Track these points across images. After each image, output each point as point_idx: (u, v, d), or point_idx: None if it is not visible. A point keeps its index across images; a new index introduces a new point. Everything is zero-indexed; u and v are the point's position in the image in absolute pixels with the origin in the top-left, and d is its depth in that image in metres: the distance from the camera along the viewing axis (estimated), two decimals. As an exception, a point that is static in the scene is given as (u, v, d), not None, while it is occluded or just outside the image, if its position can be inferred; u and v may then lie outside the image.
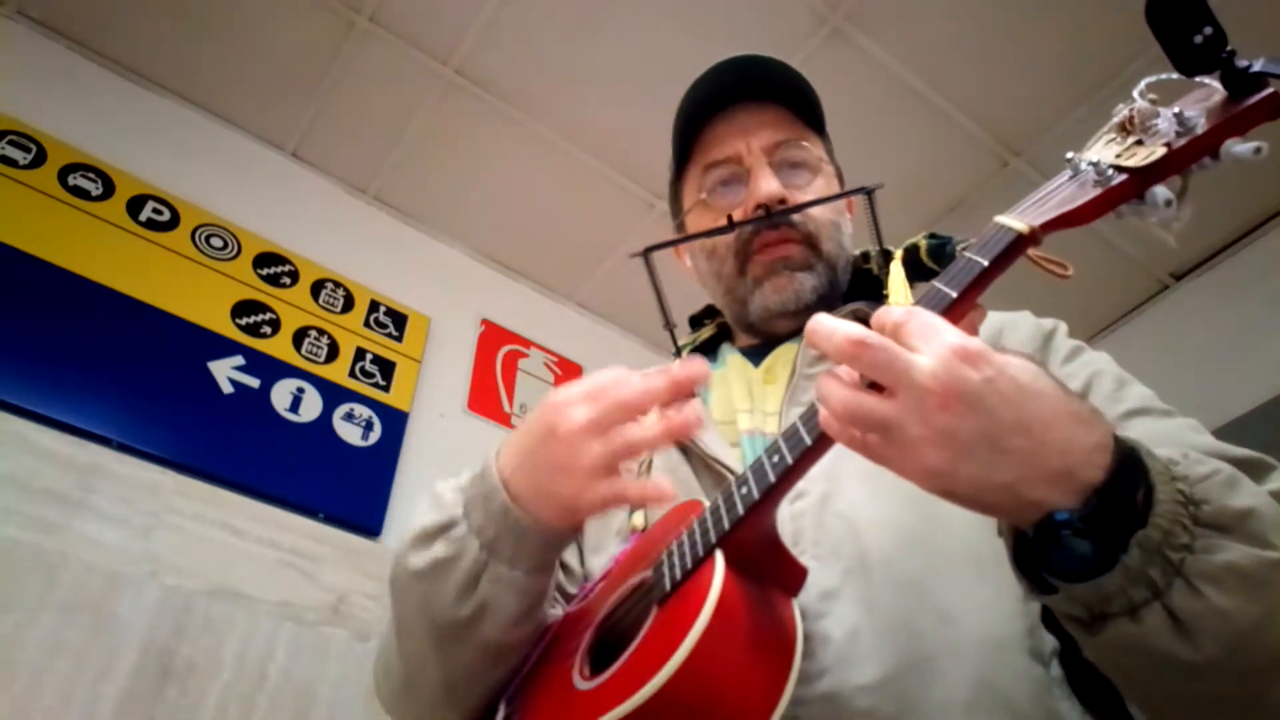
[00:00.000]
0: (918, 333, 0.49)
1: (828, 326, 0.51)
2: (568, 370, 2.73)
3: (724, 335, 0.99)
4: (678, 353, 0.94)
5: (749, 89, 0.94)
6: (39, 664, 1.51)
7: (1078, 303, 2.63)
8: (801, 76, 0.95)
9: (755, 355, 0.90)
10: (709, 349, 0.98)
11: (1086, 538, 0.47)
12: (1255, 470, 0.62)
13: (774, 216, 0.87)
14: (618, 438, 0.62)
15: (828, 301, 0.89)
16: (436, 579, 0.69)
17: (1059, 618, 0.54)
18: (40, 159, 2.05)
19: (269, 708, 1.69)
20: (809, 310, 0.87)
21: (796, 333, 0.89)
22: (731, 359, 0.92)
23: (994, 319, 0.82)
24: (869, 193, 0.88)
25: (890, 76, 2.23)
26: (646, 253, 0.92)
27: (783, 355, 0.87)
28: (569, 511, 0.65)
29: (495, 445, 0.73)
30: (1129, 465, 0.49)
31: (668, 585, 0.60)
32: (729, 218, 0.88)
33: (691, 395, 0.63)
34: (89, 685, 1.54)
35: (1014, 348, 0.76)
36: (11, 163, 2.00)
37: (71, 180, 2.07)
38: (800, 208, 0.89)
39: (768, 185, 0.89)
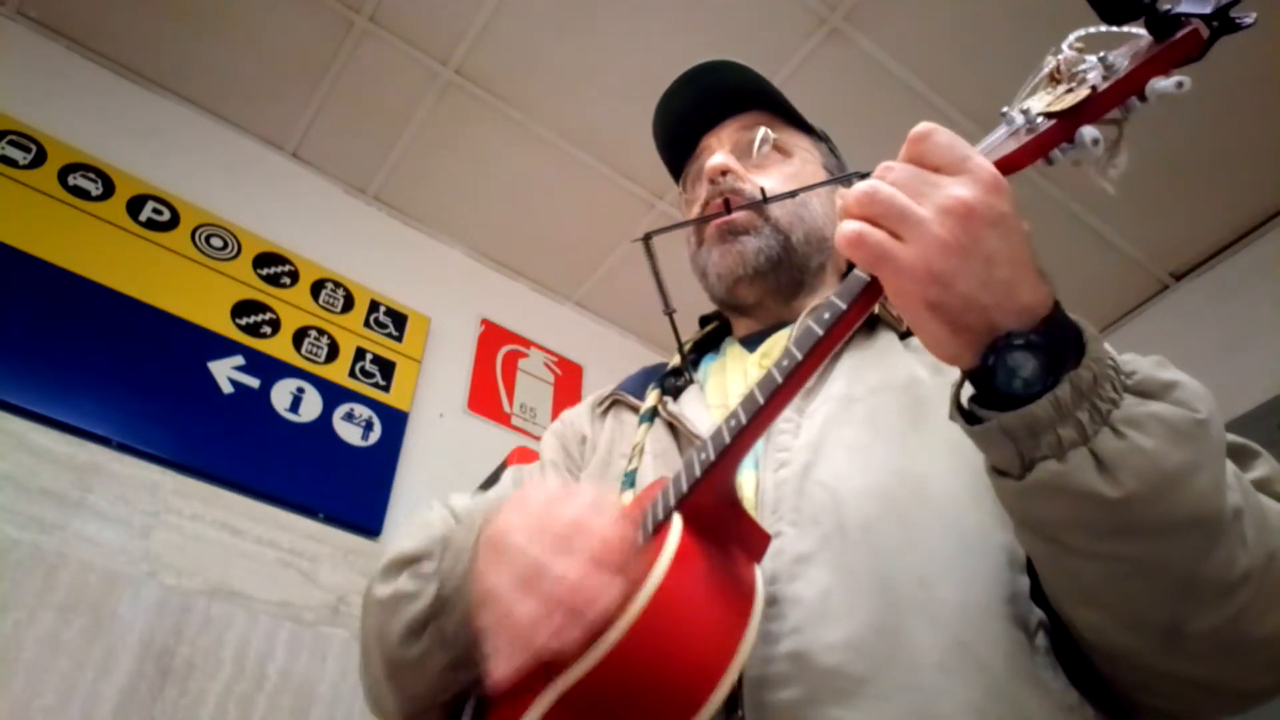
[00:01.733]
0: (946, 153, 0.53)
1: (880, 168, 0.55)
2: (567, 370, 2.73)
3: (726, 330, 1.01)
4: (679, 341, 0.95)
5: (722, 108, 0.98)
6: (38, 664, 1.51)
7: (1078, 303, 2.61)
8: (762, 80, 0.98)
9: (752, 343, 0.91)
10: (713, 343, 1.00)
11: (1032, 352, 0.52)
12: (1240, 457, 0.63)
13: (768, 201, 0.90)
14: (527, 574, 0.55)
15: (779, 265, 0.91)
16: (392, 612, 0.70)
17: (993, 478, 0.57)
18: (40, 159, 2.05)
19: (268, 707, 1.69)
20: (760, 275, 0.90)
21: (761, 299, 0.91)
22: (731, 349, 0.93)
23: None
24: (861, 177, 0.89)
25: (889, 76, 2.23)
26: (647, 238, 0.93)
27: (778, 341, 0.88)
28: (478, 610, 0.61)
29: (505, 497, 0.69)
30: (1066, 316, 0.55)
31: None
32: (725, 203, 0.91)
33: None
34: (88, 685, 1.54)
35: None
36: (11, 163, 2.00)
37: (71, 180, 2.07)
38: (795, 193, 0.90)
39: (713, 160, 0.92)
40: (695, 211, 0.94)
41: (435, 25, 2.23)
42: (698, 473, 0.59)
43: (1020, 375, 0.52)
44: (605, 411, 0.95)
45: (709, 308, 1.06)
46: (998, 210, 0.52)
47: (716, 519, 0.60)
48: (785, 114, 0.99)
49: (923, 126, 0.54)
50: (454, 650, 0.67)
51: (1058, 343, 0.53)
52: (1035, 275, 0.53)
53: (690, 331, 1.01)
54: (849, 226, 0.53)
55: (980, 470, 0.66)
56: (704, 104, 0.98)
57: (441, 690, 0.71)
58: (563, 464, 0.92)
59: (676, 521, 0.57)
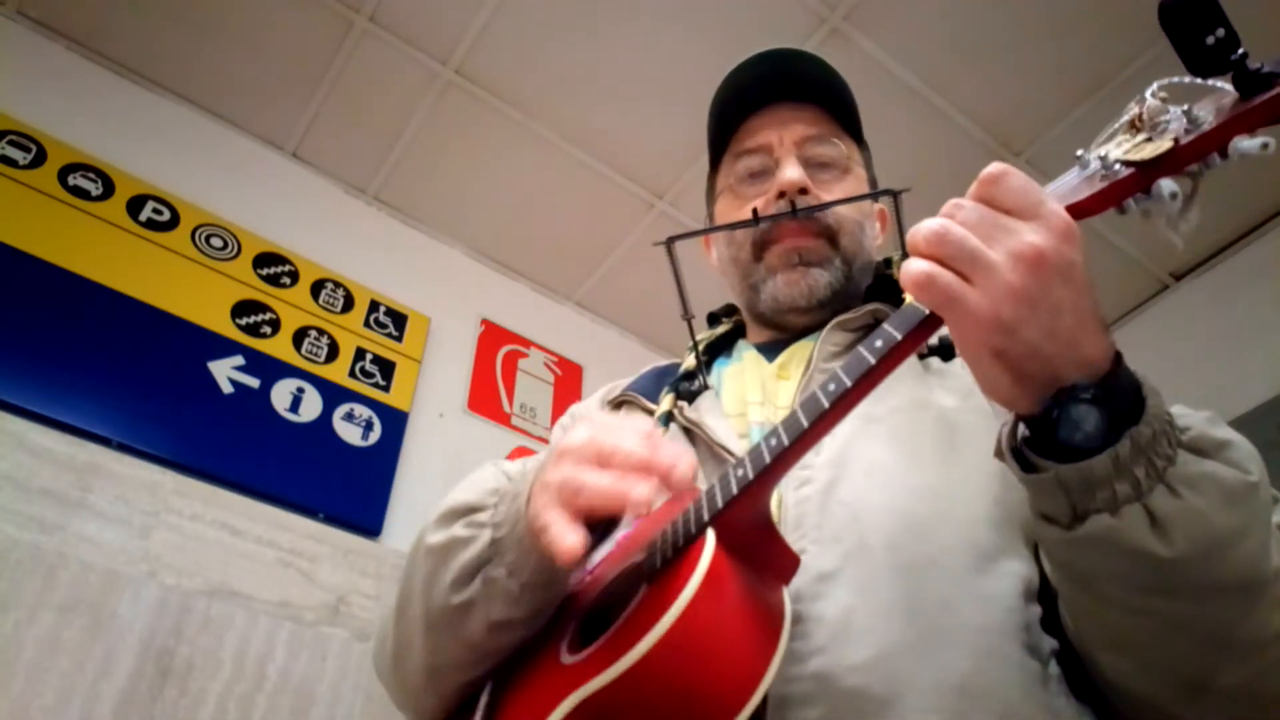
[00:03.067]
0: (1019, 196, 0.52)
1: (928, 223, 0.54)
2: (567, 370, 2.73)
3: (740, 332, 1.00)
4: (695, 345, 0.94)
5: (790, 89, 0.95)
6: (38, 664, 1.51)
7: (1078, 303, 2.63)
8: (841, 79, 0.96)
9: (770, 351, 0.90)
10: (725, 345, 0.99)
11: (1096, 407, 0.51)
12: None
13: (799, 213, 0.88)
14: (584, 475, 0.60)
15: (842, 298, 0.89)
16: (444, 559, 0.70)
17: (1038, 523, 0.57)
18: (40, 159, 2.05)
19: (268, 707, 1.69)
20: (821, 306, 0.88)
21: (810, 328, 0.89)
22: (747, 355, 0.92)
23: None
24: (895, 195, 0.88)
25: (890, 76, 2.23)
26: (670, 242, 0.91)
27: (798, 352, 0.87)
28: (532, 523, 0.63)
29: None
30: (1128, 370, 0.54)
31: (658, 562, 0.60)
32: (754, 211, 0.89)
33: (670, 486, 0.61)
34: (88, 685, 1.54)
35: None
36: (11, 163, 2.00)
37: (71, 180, 2.07)
38: (828, 205, 0.89)
39: (791, 173, 0.89)
40: (745, 214, 0.91)
41: (435, 25, 2.23)
42: (735, 490, 0.58)
43: (1083, 429, 0.52)
44: (615, 409, 0.94)
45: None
46: (1068, 259, 0.51)
47: (748, 538, 0.59)
48: (844, 117, 0.97)
49: (996, 167, 0.54)
50: (499, 601, 0.66)
51: (1120, 397, 0.52)
52: (1099, 326, 0.53)
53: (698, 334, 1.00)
54: (918, 266, 0.52)
55: (999, 497, 0.67)
56: (774, 85, 0.95)
57: (473, 655, 0.70)
58: None
59: (710, 538, 0.56)
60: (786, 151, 0.92)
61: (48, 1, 2.20)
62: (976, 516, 0.68)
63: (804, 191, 0.89)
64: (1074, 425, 0.52)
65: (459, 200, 2.61)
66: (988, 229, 0.52)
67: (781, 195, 0.89)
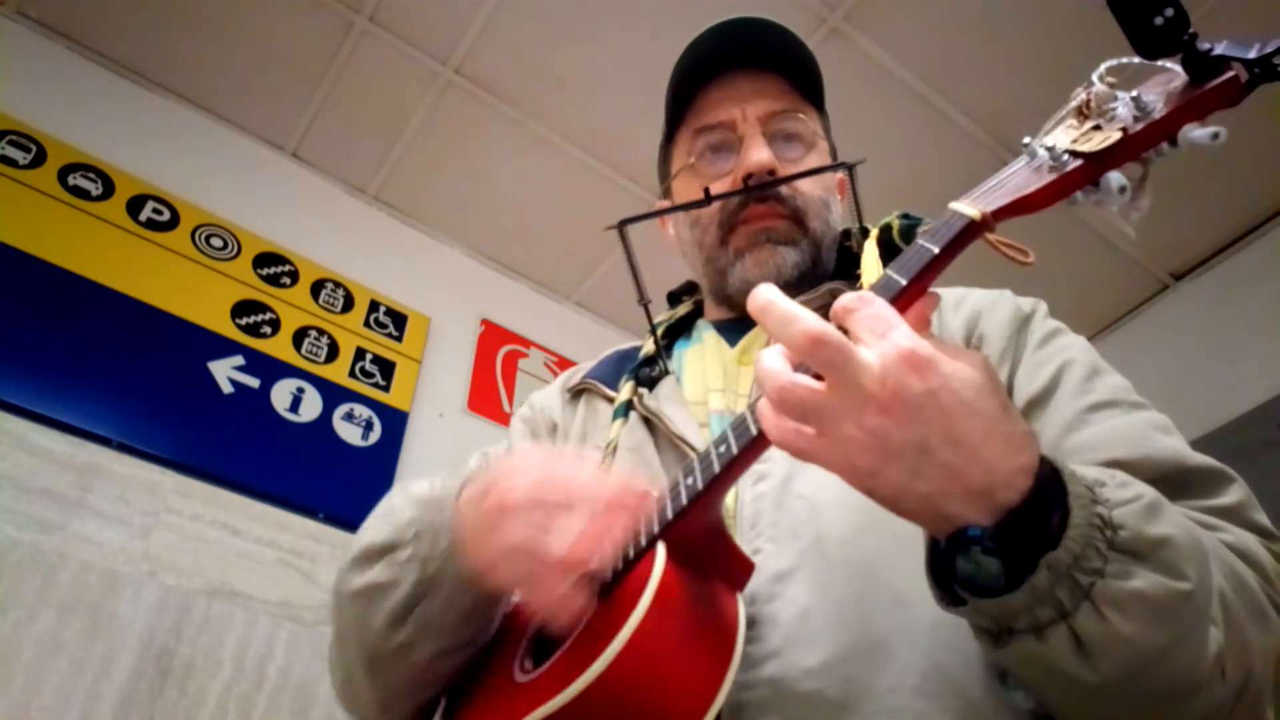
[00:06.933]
0: (868, 325, 0.48)
1: (783, 311, 0.49)
2: (567, 370, 2.72)
3: (700, 312, 0.98)
4: (653, 330, 0.92)
5: (750, 56, 0.92)
6: (37, 664, 1.51)
7: (1078, 302, 2.63)
8: (804, 45, 0.93)
9: (731, 332, 0.88)
10: (685, 325, 0.97)
11: (995, 556, 0.47)
12: (1212, 482, 0.62)
13: (751, 190, 0.85)
14: (541, 532, 0.59)
15: (809, 279, 0.86)
16: (370, 603, 0.69)
17: (971, 627, 0.54)
18: (40, 159, 2.05)
19: (268, 707, 1.69)
20: (789, 287, 0.84)
21: None
22: (708, 336, 0.90)
23: (973, 301, 0.81)
24: (849, 168, 0.86)
25: (890, 76, 2.22)
26: (622, 225, 0.89)
27: (761, 336, 0.85)
28: (483, 576, 0.63)
29: (469, 475, 0.71)
30: (1049, 489, 0.48)
31: (609, 575, 0.60)
32: (705, 191, 0.85)
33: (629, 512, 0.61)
34: (88, 685, 1.54)
35: (989, 334, 0.75)
36: (11, 163, 2.00)
37: (71, 180, 2.07)
38: (783, 180, 0.86)
39: (758, 154, 0.86)
40: (704, 194, 0.87)
41: (435, 25, 2.23)
42: (684, 501, 0.57)
43: (982, 575, 0.48)
44: (575, 396, 0.93)
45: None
46: (917, 392, 0.46)
47: (699, 546, 0.58)
48: (805, 84, 0.94)
49: (850, 300, 0.49)
50: (439, 634, 0.67)
51: (1026, 532, 0.47)
52: (997, 450, 0.47)
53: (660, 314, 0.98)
54: (779, 430, 0.49)
55: None
56: (733, 54, 0.92)
57: (422, 682, 0.70)
58: None
59: (660, 553, 0.56)
60: (752, 129, 0.88)
61: (48, 1, 2.20)
62: None
63: (772, 174, 0.86)
64: (972, 572, 0.48)
65: (459, 200, 2.61)
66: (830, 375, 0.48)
67: (749, 177, 0.86)
